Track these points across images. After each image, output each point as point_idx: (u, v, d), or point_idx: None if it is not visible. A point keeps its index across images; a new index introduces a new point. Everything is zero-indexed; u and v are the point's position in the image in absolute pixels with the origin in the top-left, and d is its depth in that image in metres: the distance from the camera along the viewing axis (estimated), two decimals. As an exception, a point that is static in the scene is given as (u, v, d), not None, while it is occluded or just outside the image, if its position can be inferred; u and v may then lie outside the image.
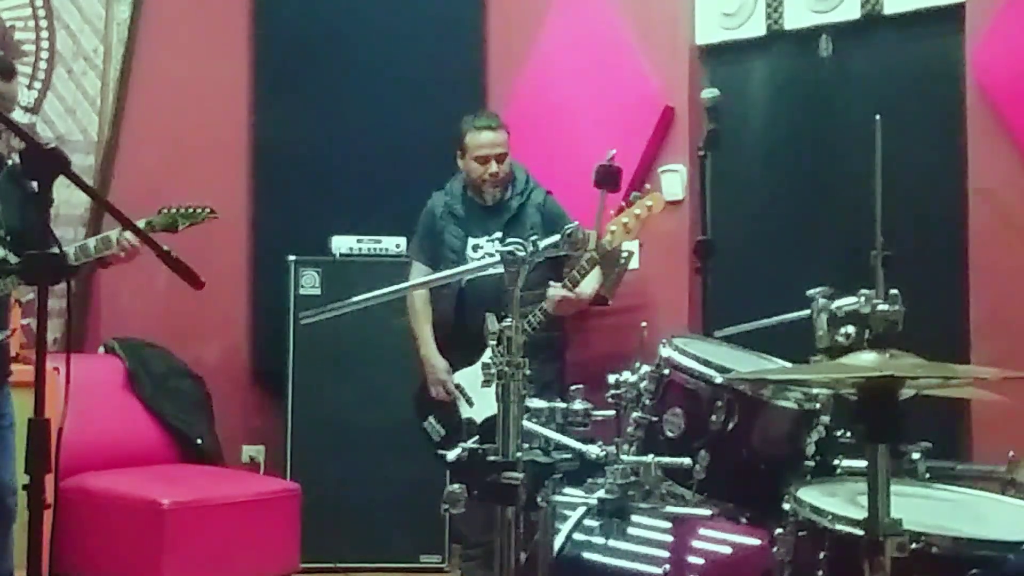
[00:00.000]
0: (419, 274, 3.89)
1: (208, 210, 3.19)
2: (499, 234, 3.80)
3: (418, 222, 4.04)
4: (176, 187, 4.61)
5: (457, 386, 3.79)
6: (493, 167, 3.86)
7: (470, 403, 3.74)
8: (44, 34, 4.43)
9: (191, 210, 3.14)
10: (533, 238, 2.22)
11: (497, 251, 2.11)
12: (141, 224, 2.88)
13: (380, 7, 4.91)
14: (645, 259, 4.43)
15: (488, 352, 2.04)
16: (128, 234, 2.98)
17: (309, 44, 4.94)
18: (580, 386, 2.43)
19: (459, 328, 3.76)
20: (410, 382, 4.06)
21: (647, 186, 3.69)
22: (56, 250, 1.77)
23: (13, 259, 2.97)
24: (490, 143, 3.87)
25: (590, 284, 3.68)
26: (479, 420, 3.66)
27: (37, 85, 4.38)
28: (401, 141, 4.81)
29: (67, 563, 3.77)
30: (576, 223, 2.35)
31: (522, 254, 2.05)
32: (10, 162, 3.01)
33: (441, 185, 4.11)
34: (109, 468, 4.08)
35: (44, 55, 4.43)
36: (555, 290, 3.58)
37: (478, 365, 3.58)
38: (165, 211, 3.11)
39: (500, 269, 2.12)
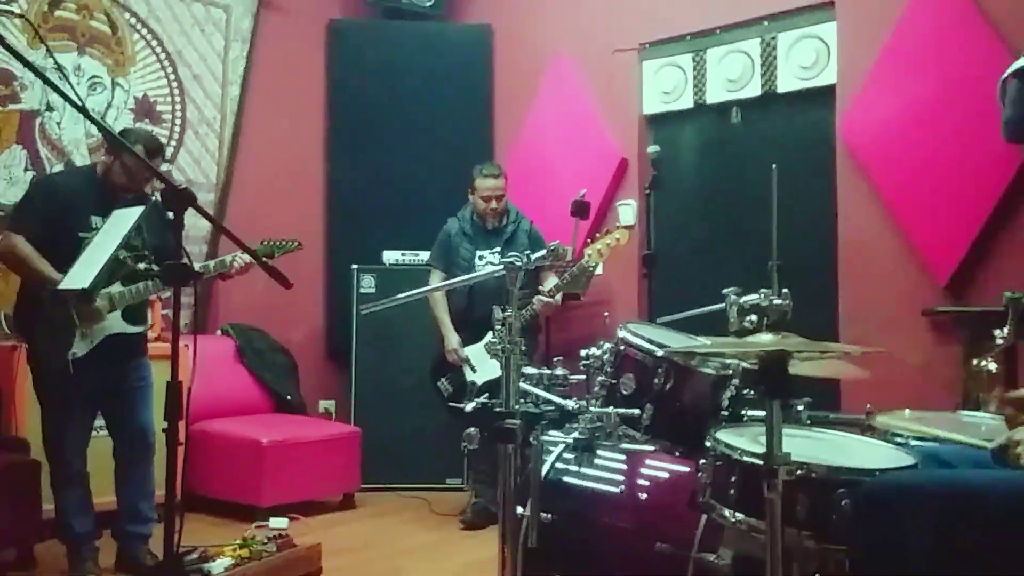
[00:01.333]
0: (437, 277, 3.92)
1: (296, 243, 3.21)
2: (499, 249, 3.84)
3: (436, 239, 4.06)
4: (272, 216, 4.63)
5: (464, 357, 3.81)
6: (493, 204, 3.89)
7: (473, 370, 3.78)
8: (178, 106, 4.43)
9: (284, 243, 3.16)
10: (527, 252, 2.23)
11: (501, 261, 2.12)
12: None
13: (417, 88, 4.89)
14: (607, 267, 4.42)
15: (491, 334, 2.04)
16: (240, 254, 3.01)
17: (367, 113, 4.92)
18: (560, 358, 2.44)
19: (468, 316, 3.79)
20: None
21: (618, 224, 3.71)
22: (187, 261, 1.78)
23: (155, 268, 2.99)
24: (492, 187, 3.89)
25: (559, 291, 3.69)
26: (479, 383, 3.71)
27: (173, 143, 4.39)
28: (432, 183, 4.80)
29: (194, 485, 3.79)
30: (557, 242, 2.35)
31: (520, 264, 2.06)
32: (154, 198, 3.03)
33: (456, 214, 4.14)
34: (224, 416, 4.09)
35: (178, 122, 4.43)
36: (543, 299, 3.60)
37: (481, 344, 3.60)
38: (266, 242, 3.13)
39: (501, 274, 2.13)
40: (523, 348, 2.03)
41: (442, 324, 3.88)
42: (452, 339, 3.83)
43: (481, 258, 3.89)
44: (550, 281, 3.75)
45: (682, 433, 2.09)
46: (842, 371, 2.25)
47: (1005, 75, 1.55)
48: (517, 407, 1.94)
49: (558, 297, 3.67)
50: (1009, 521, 1.31)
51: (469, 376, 3.78)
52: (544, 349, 4.01)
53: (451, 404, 3.73)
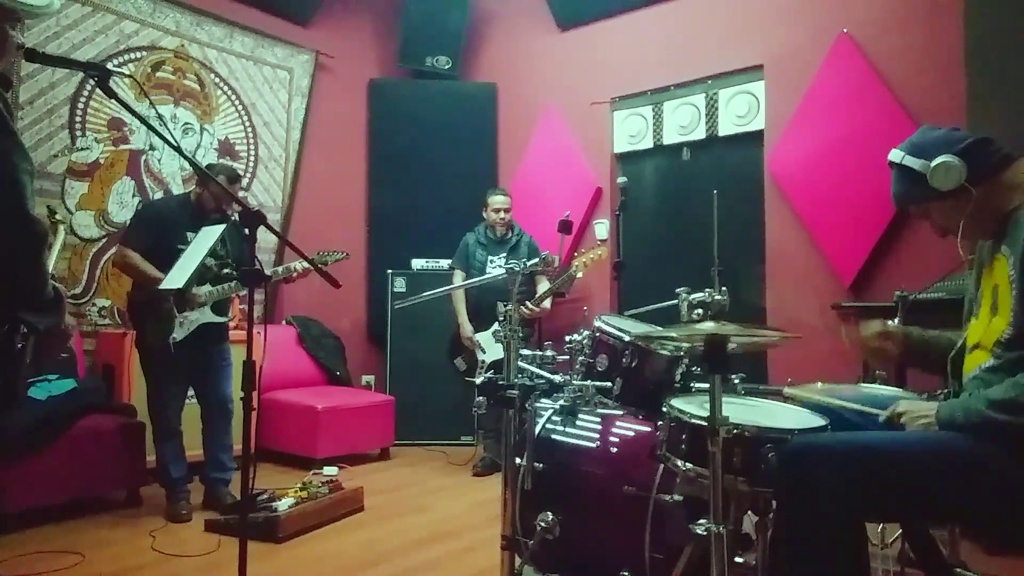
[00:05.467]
0: (459, 277, 3.91)
1: (344, 254, 3.21)
2: (504, 255, 3.85)
3: (458, 248, 4.04)
4: (325, 232, 4.62)
5: (476, 341, 3.80)
6: (501, 215, 3.91)
7: (483, 351, 3.76)
8: (252, 146, 4.42)
9: (334, 253, 3.16)
10: (524, 260, 2.22)
11: (503, 267, 2.11)
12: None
13: (438, 132, 4.87)
14: (587, 272, 4.43)
15: (497, 324, 2.02)
16: (300, 262, 3.00)
17: (400, 152, 4.91)
18: (549, 342, 2.43)
19: (478, 307, 3.78)
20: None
21: (597, 240, 3.69)
22: (259, 267, 1.77)
23: (235, 273, 2.98)
24: (500, 202, 3.93)
25: (545, 299, 3.60)
26: (488, 361, 3.70)
27: (248, 175, 4.38)
28: (450, 206, 4.78)
29: (264, 441, 3.80)
30: (547, 252, 2.35)
31: (518, 269, 2.05)
32: (233, 218, 3.02)
33: (472, 228, 4.12)
34: (287, 388, 4.09)
35: (252, 159, 4.42)
36: (528, 308, 3.51)
37: (490, 331, 3.58)
38: (320, 253, 3.13)
39: (503, 276, 2.12)
40: (521, 335, 2.03)
41: (459, 314, 3.87)
42: (467, 328, 3.81)
43: (491, 262, 3.90)
44: (542, 285, 3.76)
45: (644, 400, 2.07)
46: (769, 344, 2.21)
47: (888, 160, 1.58)
48: (516, 380, 1.93)
49: (544, 304, 3.60)
50: (895, 468, 1.31)
51: (480, 356, 3.76)
52: (537, 337, 4.00)
53: (466, 378, 3.74)
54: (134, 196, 3.80)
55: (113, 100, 1.56)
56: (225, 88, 4.27)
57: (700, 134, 4.10)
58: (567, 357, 2.34)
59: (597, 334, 2.21)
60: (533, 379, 2.18)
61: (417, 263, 4.59)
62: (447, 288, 2.29)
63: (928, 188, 1.45)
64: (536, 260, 2.27)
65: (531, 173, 4.76)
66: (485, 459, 3.81)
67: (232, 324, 3.22)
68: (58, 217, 2.50)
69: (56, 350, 1.75)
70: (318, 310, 4.56)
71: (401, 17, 4.91)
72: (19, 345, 1.50)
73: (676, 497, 1.74)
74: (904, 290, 2.18)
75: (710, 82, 4.05)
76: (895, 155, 1.53)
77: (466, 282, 3.47)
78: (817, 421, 1.61)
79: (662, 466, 1.79)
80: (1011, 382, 1.30)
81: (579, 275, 3.63)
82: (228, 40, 4.28)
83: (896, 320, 2.08)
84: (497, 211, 3.91)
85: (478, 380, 2.08)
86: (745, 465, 1.48)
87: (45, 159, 3.46)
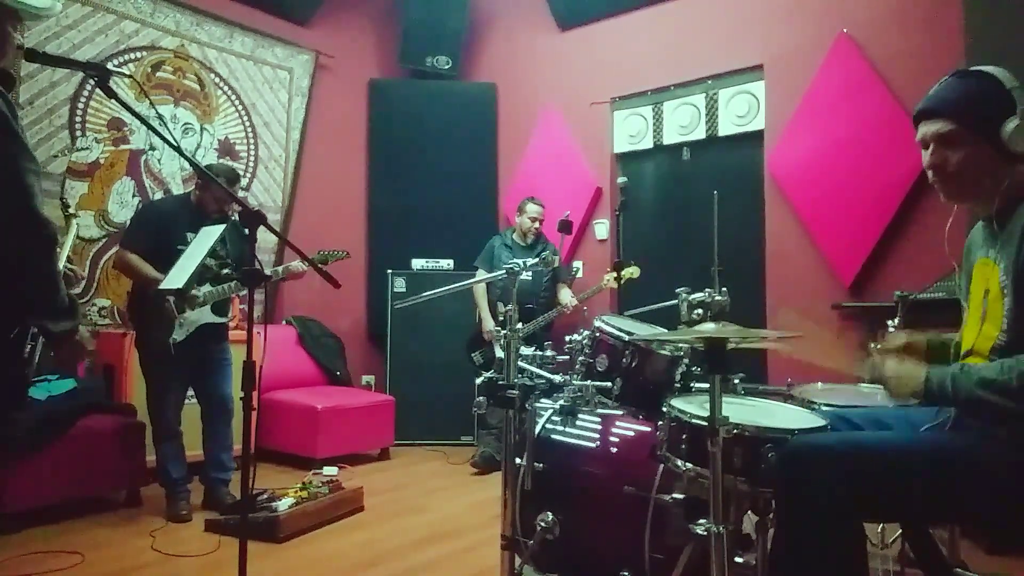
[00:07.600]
0: (480, 276, 3.93)
1: (345, 253, 3.21)
2: (530, 259, 3.86)
3: (483, 248, 4.06)
4: (325, 232, 4.63)
5: (496, 336, 3.82)
6: (536, 225, 3.98)
7: (502, 348, 3.77)
8: (252, 146, 4.43)
9: (335, 252, 3.16)
10: (523, 260, 2.22)
11: (503, 267, 2.11)
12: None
13: (438, 132, 4.88)
14: (586, 271, 4.44)
15: (520, 324, 2.02)
16: (299, 262, 3.00)
17: (399, 152, 4.91)
18: (550, 342, 2.43)
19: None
20: (456, 339, 4.06)
21: (632, 262, 3.75)
22: (259, 267, 1.77)
23: (235, 273, 2.98)
24: (536, 211, 3.99)
25: (572, 301, 3.79)
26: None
27: (248, 175, 4.38)
28: (450, 206, 4.80)
29: (264, 441, 3.80)
30: (547, 252, 2.34)
31: (517, 270, 2.05)
32: (233, 218, 3.03)
33: (474, 230, 4.17)
34: (287, 388, 4.08)
35: (252, 159, 4.42)
36: (558, 310, 3.71)
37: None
38: (320, 252, 3.13)
39: (502, 276, 2.11)
40: (520, 336, 2.02)
41: (482, 310, 3.92)
42: (489, 323, 3.87)
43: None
44: (565, 293, 3.88)
45: (644, 401, 2.07)
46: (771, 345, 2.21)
47: (976, 68, 1.49)
48: (516, 380, 1.93)
49: (570, 305, 3.77)
50: (894, 468, 1.31)
51: (499, 353, 3.78)
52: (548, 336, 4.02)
53: (483, 371, 3.77)
54: (134, 196, 3.80)
55: (113, 100, 1.56)
56: (225, 88, 4.27)
57: (700, 134, 4.10)
58: (567, 357, 2.33)
59: (597, 334, 2.21)
60: (533, 379, 2.18)
61: (417, 263, 4.59)
62: (448, 288, 2.28)
63: (995, 119, 1.33)
64: (535, 260, 2.27)
65: (531, 173, 4.76)
66: (484, 453, 3.82)
67: (232, 324, 3.21)
68: (71, 211, 2.50)
69: (73, 357, 1.75)
70: (318, 310, 4.56)
71: (401, 17, 4.91)
72: (28, 347, 1.50)
73: (676, 497, 1.73)
74: (904, 290, 2.18)
75: (710, 82, 4.05)
76: (998, 70, 1.39)
77: (469, 282, 3.47)
78: (817, 421, 1.61)
79: (662, 466, 1.79)
80: (1004, 364, 1.29)
81: (601, 285, 3.66)
82: (228, 40, 4.28)
83: (896, 320, 2.08)
84: (533, 220, 3.98)
85: (477, 380, 2.07)
86: (745, 465, 1.48)
87: (45, 159, 3.46)
